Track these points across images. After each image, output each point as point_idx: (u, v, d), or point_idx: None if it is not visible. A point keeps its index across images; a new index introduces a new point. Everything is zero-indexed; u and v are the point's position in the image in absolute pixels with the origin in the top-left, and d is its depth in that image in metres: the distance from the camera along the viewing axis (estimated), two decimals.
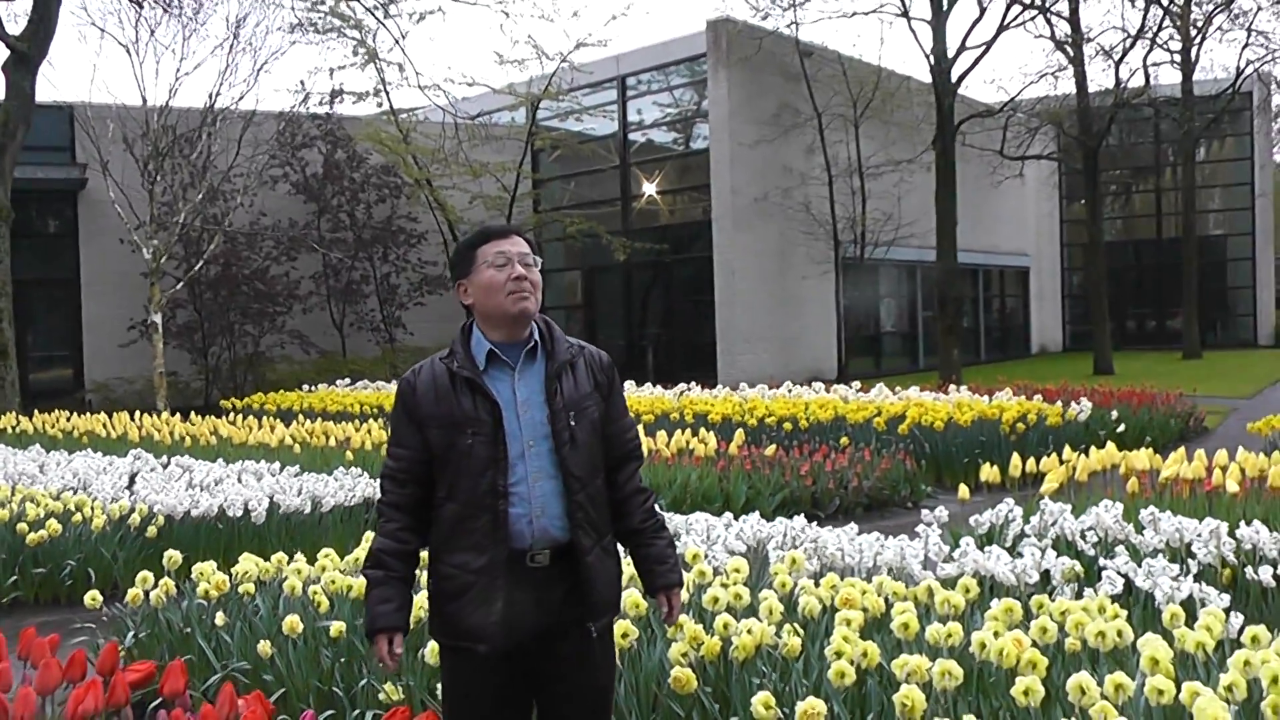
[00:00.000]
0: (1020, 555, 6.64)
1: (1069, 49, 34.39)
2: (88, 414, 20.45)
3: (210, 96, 27.53)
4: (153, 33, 27.01)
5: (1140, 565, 6.14)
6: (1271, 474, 9.20)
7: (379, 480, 3.73)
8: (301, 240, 30.10)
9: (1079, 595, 5.99)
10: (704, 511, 8.66)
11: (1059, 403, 16.93)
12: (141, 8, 26.44)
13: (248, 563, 6.75)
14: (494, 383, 3.55)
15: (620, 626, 4.64)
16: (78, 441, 17.32)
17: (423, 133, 30.60)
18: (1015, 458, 11.14)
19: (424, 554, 3.70)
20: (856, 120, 31.28)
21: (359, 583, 6.04)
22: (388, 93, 30.77)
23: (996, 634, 4.59)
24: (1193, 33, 37.10)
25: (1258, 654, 4.09)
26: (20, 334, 25.35)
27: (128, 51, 26.70)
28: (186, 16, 27.18)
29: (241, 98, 28.58)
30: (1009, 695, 4.15)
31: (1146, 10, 34.74)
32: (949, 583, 5.99)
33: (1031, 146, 36.24)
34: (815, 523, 7.79)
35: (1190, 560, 6.70)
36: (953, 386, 20.79)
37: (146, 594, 6.48)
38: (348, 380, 26.28)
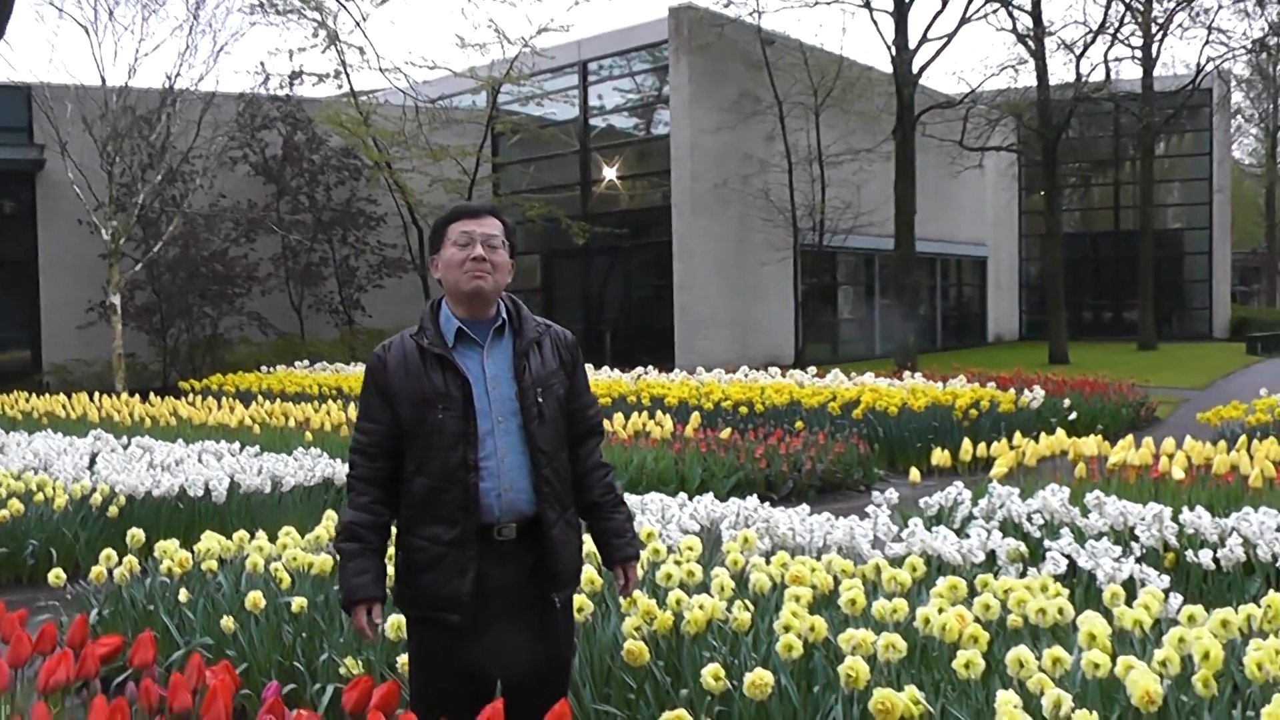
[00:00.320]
0: (968, 536, 6.78)
1: (1030, 42, 34.63)
2: (46, 395, 20.37)
3: (169, 77, 27.39)
4: (111, 13, 26.85)
5: (1084, 547, 6.30)
6: (1216, 462, 9.39)
7: (349, 455, 3.79)
8: (260, 222, 29.93)
9: (1023, 575, 6.12)
10: (659, 492, 8.79)
11: (1012, 390, 17.15)
12: None
13: (210, 540, 6.79)
14: (463, 359, 3.64)
15: (576, 600, 4.74)
16: (37, 422, 17.29)
17: (383, 115, 30.55)
18: (966, 443, 11.28)
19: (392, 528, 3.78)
20: (817, 109, 31.42)
21: (320, 559, 6.13)
22: (348, 75, 30.76)
23: (941, 610, 4.72)
24: (1154, 29, 37.44)
25: (1192, 631, 4.24)
26: None
27: (86, 31, 26.54)
28: None
29: (201, 79, 28.49)
30: (951, 668, 4.29)
31: (1108, 6, 35.17)
32: (897, 562, 6.12)
33: (991, 138, 36.42)
34: (769, 504, 7.90)
35: (1134, 543, 6.86)
36: (908, 373, 21.02)
37: (110, 572, 6.52)
38: (306, 362, 26.20)
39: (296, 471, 10.57)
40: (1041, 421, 15.40)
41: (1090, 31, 35.77)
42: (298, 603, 5.70)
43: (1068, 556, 6.33)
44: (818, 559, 6.01)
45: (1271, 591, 4.78)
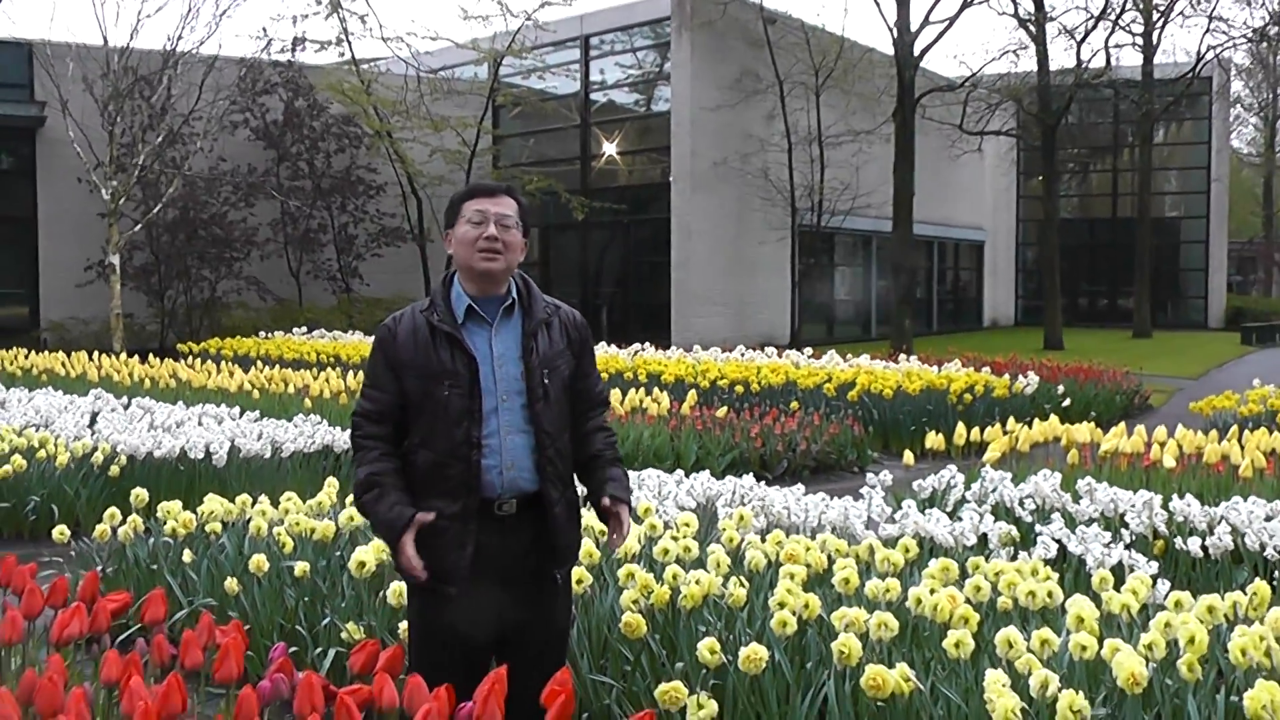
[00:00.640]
0: (960, 519, 6.86)
1: (1031, 27, 34.68)
2: (45, 353, 20.42)
3: (171, 39, 27.31)
4: None
5: (1075, 532, 6.39)
6: (1208, 451, 9.48)
7: (352, 419, 3.83)
8: (260, 187, 29.93)
9: (1014, 558, 6.21)
10: (656, 468, 8.86)
11: (1007, 375, 17.23)
12: None
13: (213, 503, 6.85)
14: (471, 337, 3.68)
15: (575, 573, 4.82)
16: (37, 379, 17.35)
17: (384, 84, 30.54)
18: (960, 427, 11.39)
19: None
20: (818, 89, 31.44)
21: (322, 525, 6.20)
22: (350, 43, 30.74)
23: (932, 591, 4.81)
24: (1155, 16, 37.50)
25: (1179, 616, 4.33)
26: None
27: None
28: None
29: (203, 42, 28.56)
30: (941, 647, 4.38)
31: None
32: (890, 542, 6.21)
33: (991, 122, 36.45)
34: (763, 483, 7.97)
35: (1124, 530, 6.95)
36: (903, 356, 21.06)
37: (114, 530, 6.60)
38: (304, 328, 26.23)
39: (297, 438, 10.61)
40: (1035, 407, 15.47)
41: (1091, 18, 35.85)
42: (300, 567, 5.78)
43: (1058, 541, 6.41)
44: (812, 538, 6.07)
45: (1258, 579, 4.88)
